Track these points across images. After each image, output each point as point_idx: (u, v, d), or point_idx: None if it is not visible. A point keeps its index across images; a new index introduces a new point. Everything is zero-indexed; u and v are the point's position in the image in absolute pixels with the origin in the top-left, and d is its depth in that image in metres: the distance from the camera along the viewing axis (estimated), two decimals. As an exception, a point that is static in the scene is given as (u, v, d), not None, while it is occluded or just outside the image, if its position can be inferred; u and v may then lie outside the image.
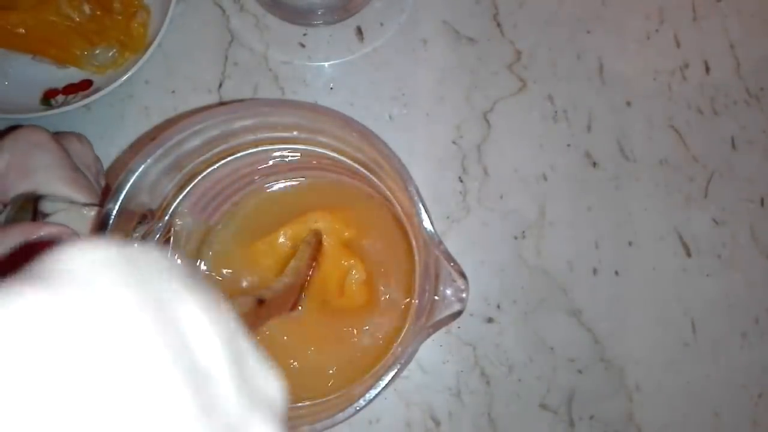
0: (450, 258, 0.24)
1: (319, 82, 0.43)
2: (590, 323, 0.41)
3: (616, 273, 0.42)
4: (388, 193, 0.27)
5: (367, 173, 0.27)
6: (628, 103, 0.44)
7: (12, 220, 0.26)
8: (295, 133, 0.27)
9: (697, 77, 0.45)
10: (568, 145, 0.43)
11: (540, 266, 0.42)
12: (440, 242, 0.24)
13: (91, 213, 0.26)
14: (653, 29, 0.45)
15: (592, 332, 0.41)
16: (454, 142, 0.43)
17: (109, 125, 0.42)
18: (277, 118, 0.27)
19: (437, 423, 0.40)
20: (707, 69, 0.45)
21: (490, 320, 0.41)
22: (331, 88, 0.43)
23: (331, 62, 0.43)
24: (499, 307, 0.41)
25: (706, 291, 0.43)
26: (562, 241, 0.42)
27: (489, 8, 0.44)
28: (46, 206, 0.26)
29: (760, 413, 0.42)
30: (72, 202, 0.27)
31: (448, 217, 0.42)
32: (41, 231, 0.25)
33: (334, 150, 0.28)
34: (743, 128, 0.44)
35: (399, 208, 0.27)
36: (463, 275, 0.24)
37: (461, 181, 0.42)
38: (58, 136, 0.29)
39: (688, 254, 0.43)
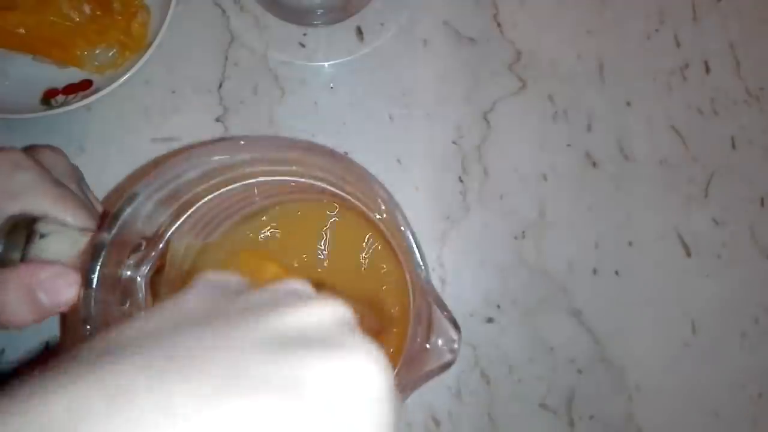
0: (443, 307, 0.23)
1: (319, 82, 0.43)
2: (590, 323, 0.41)
3: (616, 273, 0.42)
4: (386, 231, 0.27)
5: (367, 211, 0.28)
6: (628, 103, 0.44)
7: (5, 244, 0.25)
8: (294, 167, 0.27)
9: (697, 77, 0.45)
10: (568, 145, 0.43)
11: (540, 266, 0.42)
12: (434, 290, 0.24)
13: (84, 238, 0.26)
14: (653, 29, 0.45)
15: (592, 332, 0.41)
16: (454, 142, 0.43)
17: (109, 125, 0.42)
18: (277, 154, 0.27)
19: (437, 423, 0.40)
20: (707, 69, 0.45)
21: (490, 320, 0.41)
22: (332, 88, 0.43)
23: (331, 62, 0.43)
24: (499, 307, 0.41)
25: (706, 291, 0.43)
26: (562, 241, 0.42)
27: (489, 8, 0.44)
28: (40, 227, 0.26)
29: (760, 413, 0.42)
30: (66, 225, 0.27)
31: (448, 217, 0.42)
32: (42, 274, 0.25)
33: (332, 185, 0.28)
34: (743, 128, 0.44)
35: (397, 249, 0.27)
36: (456, 325, 0.23)
37: (461, 181, 0.42)
38: (30, 151, 0.29)
39: (688, 254, 0.43)
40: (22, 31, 0.40)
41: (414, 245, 0.24)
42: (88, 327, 0.24)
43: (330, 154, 0.25)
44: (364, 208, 0.28)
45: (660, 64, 0.45)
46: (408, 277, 0.27)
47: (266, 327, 0.14)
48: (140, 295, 0.27)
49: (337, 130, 0.42)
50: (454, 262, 0.41)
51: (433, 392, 0.40)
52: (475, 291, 0.41)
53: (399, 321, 0.31)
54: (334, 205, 0.33)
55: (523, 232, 0.42)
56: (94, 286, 0.24)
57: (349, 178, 0.26)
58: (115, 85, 0.38)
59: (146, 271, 0.27)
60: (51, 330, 0.39)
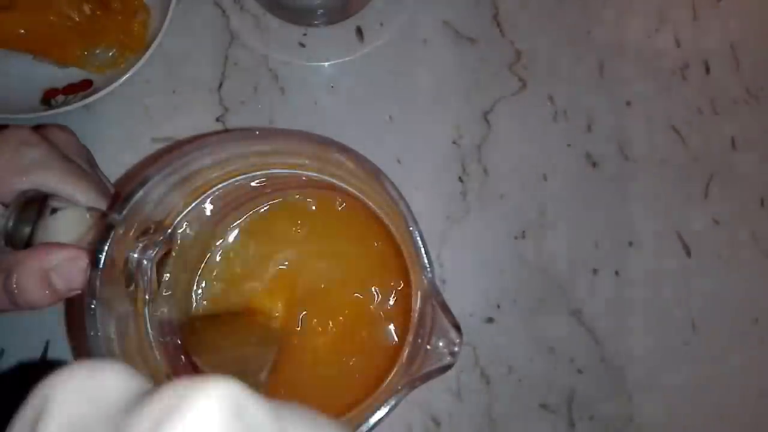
0: (447, 310, 0.23)
1: (319, 82, 0.43)
2: (590, 323, 0.41)
3: (616, 273, 0.42)
4: (394, 230, 0.27)
5: (376, 208, 0.28)
6: (628, 103, 0.44)
7: (16, 219, 0.26)
8: (306, 161, 0.27)
9: (697, 77, 0.45)
10: (568, 145, 0.43)
11: (540, 266, 0.42)
12: (439, 293, 0.24)
13: (93, 217, 0.27)
14: (653, 29, 0.45)
15: (592, 332, 0.41)
16: (454, 142, 0.43)
17: (109, 125, 0.42)
18: (290, 146, 0.27)
19: (437, 423, 0.40)
20: (707, 69, 0.45)
21: (490, 320, 0.41)
22: (332, 88, 0.43)
23: (331, 62, 0.43)
24: (499, 307, 0.41)
25: (706, 291, 0.43)
26: (562, 241, 0.42)
27: (489, 8, 0.44)
28: (53, 203, 0.26)
29: (760, 413, 0.42)
30: (75, 202, 0.27)
31: (448, 217, 0.42)
32: (56, 258, 0.25)
33: (343, 181, 0.28)
34: (743, 128, 0.44)
35: (403, 248, 0.27)
36: (458, 329, 0.23)
37: (461, 181, 0.42)
38: (39, 129, 0.29)
39: (688, 254, 0.43)
40: (22, 31, 0.40)
41: (422, 246, 0.24)
42: (93, 308, 0.24)
43: (343, 149, 0.25)
44: (373, 206, 0.28)
45: (660, 64, 0.45)
46: (413, 277, 0.27)
47: None
48: (146, 278, 0.27)
49: (337, 130, 0.42)
50: (454, 262, 0.41)
51: (433, 392, 0.40)
52: (475, 291, 0.41)
53: (399, 319, 0.31)
54: (343, 201, 0.33)
55: (523, 232, 0.42)
56: (101, 266, 0.24)
57: (361, 174, 0.26)
58: (115, 85, 0.38)
59: (153, 254, 0.27)
60: (51, 330, 0.40)
